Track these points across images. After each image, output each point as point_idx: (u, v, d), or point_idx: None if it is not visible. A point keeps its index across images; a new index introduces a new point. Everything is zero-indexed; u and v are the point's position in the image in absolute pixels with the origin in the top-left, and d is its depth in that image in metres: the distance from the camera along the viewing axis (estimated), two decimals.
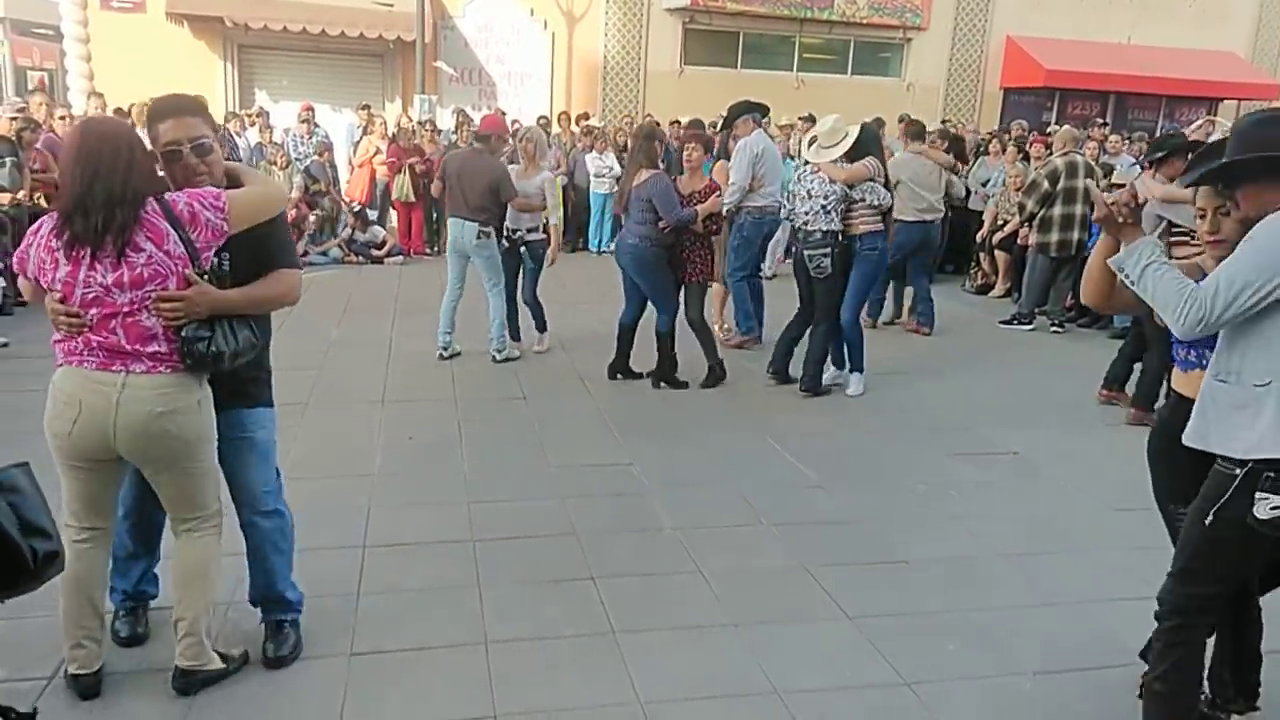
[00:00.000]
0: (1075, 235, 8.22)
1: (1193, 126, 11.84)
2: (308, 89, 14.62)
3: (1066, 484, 4.93)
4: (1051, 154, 8.64)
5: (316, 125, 12.32)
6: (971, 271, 10.48)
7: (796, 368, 6.38)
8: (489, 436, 5.29)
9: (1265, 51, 19.10)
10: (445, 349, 6.87)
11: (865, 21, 16.70)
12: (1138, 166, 10.11)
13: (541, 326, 7.27)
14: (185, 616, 2.80)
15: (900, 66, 17.73)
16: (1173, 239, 5.64)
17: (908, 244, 8.02)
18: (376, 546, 3.86)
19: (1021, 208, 8.51)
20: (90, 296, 2.50)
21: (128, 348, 2.53)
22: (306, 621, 3.14)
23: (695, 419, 5.76)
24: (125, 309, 2.51)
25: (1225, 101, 18.86)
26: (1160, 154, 6.37)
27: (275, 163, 10.96)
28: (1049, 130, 11.63)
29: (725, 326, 7.74)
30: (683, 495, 4.56)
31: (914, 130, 8.54)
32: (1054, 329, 8.53)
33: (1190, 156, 4.79)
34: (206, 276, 2.60)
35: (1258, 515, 2.34)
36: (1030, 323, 8.58)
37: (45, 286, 2.56)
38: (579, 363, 6.92)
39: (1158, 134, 13.57)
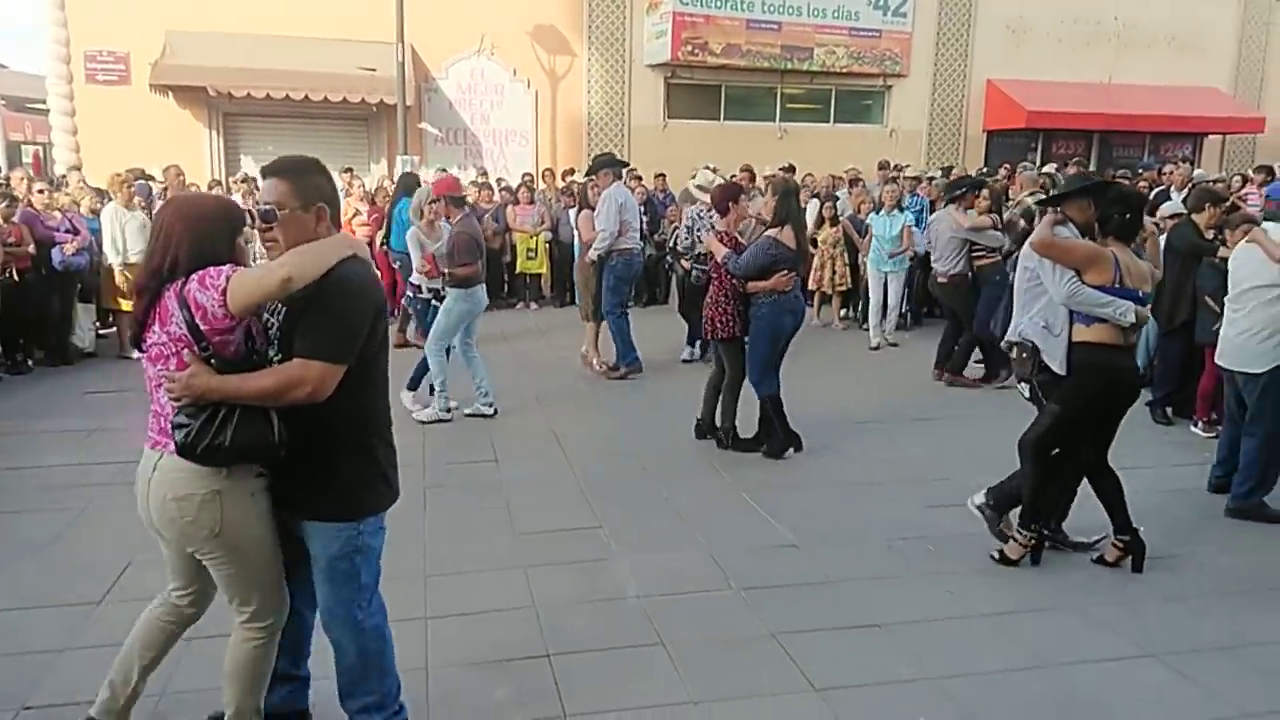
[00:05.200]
0: None
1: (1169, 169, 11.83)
2: (293, 153, 14.65)
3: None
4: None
5: None
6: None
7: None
8: (455, 503, 5.13)
9: (1247, 85, 19.23)
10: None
11: (846, 71, 16.84)
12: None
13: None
14: (225, 707, 2.77)
15: (882, 113, 17.84)
16: (974, 255, 7.91)
17: None
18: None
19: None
20: (145, 366, 2.57)
21: (167, 424, 2.50)
22: None
23: (671, 476, 5.60)
24: (155, 382, 2.53)
25: (1210, 136, 18.95)
26: (960, 192, 8.11)
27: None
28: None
29: (601, 360, 8.33)
30: (651, 559, 4.40)
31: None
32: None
33: (985, 191, 8.27)
34: (213, 360, 2.45)
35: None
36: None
37: None
38: (555, 421, 6.79)
39: (1140, 170, 13.57)
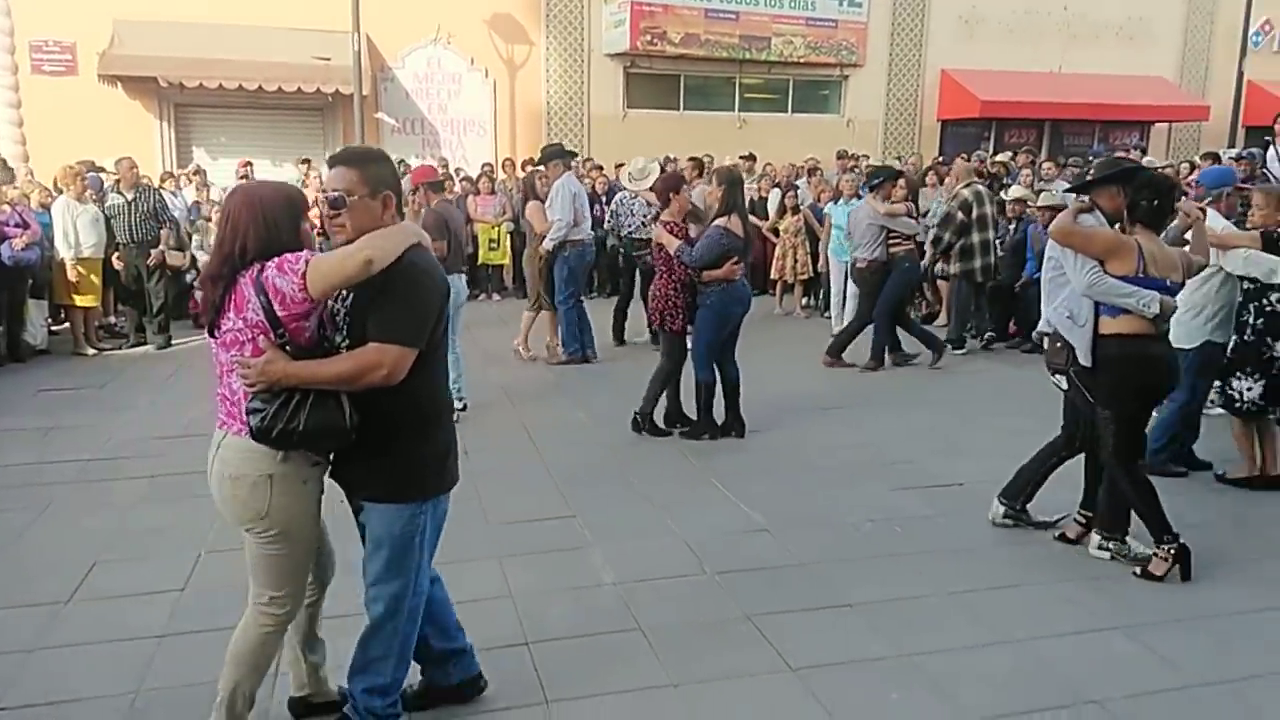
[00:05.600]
0: (993, 259, 8.75)
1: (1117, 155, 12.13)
2: (247, 145, 14.47)
3: None
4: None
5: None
6: (916, 301, 10.55)
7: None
8: None
9: (1192, 74, 19.68)
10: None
11: (803, 61, 16.96)
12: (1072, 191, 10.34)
13: None
14: (219, 689, 2.78)
15: (839, 103, 18.00)
16: (890, 242, 8.05)
17: None
18: None
19: (938, 240, 8.73)
20: (215, 351, 2.62)
21: (234, 407, 2.59)
22: (199, 714, 2.93)
23: (642, 464, 5.65)
24: (226, 368, 2.59)
25: (1157, 124, 19.37)
26: (878, 181, 8.24)
27: (211, 220, 10.79)
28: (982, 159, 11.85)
29: (556, 347, 8.52)
30: (625, 546, 4.43)
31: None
32: (983, 346, 9.08)
33: (901, 181, 8.66)
34: (287, 347, 2.51)
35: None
36: (963, 347, 8.79)
37: None
38: (526, 415, 6.79)
39: (1091, 158, 13.83)
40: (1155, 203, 4.11)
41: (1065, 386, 4.41)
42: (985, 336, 9.19)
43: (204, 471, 2.79)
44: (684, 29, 15.94)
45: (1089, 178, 4.42)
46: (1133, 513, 4.27)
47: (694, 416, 6.24)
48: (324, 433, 2.54)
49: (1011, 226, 9.36)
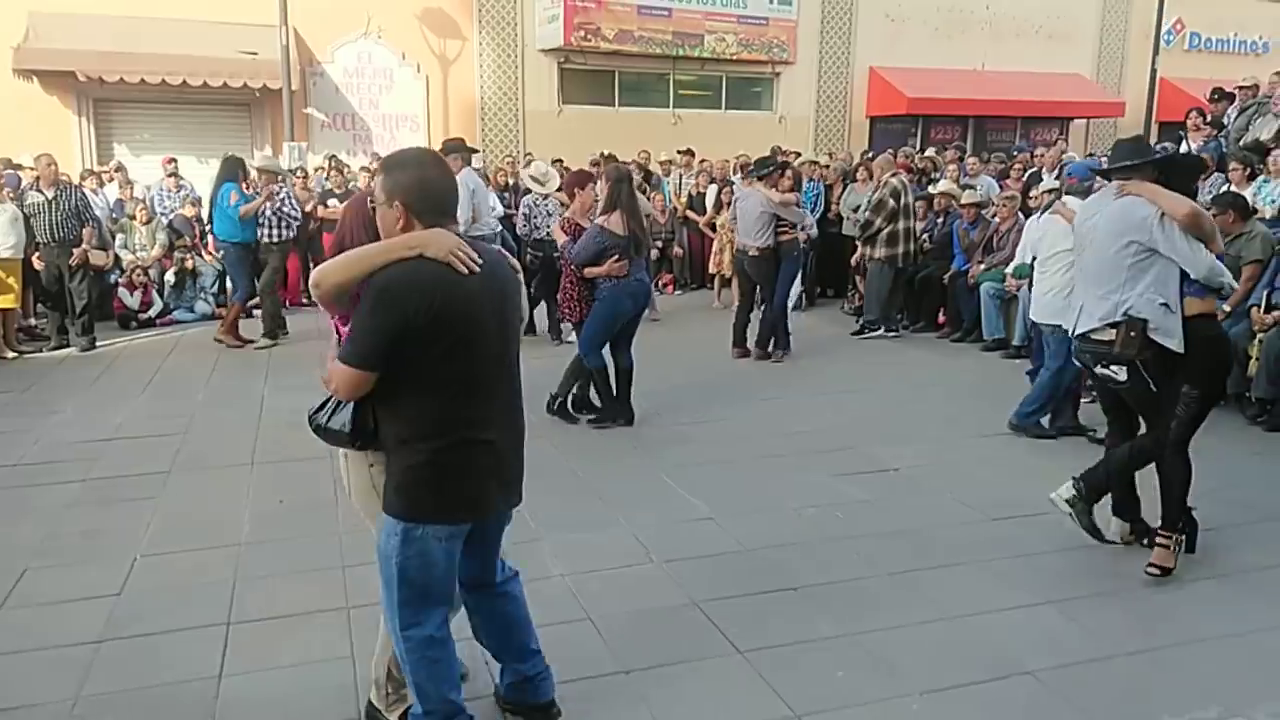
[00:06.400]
0: (913, 247, 9.18)
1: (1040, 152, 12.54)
2: (171, 141, 14.07)
3: (945, 497, 5.04)
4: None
5: (181, 178, 11.85)
6: (849, 294, 10.78)
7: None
8: None
9: (1108, 71, 20.38)
10: None
11: (735, 58, 17.11)
12: (996, 185, 10.67)
13: None
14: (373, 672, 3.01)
15: (772, 100, 18.21)
16: (779, 229, 8.08)
17: None
18: (243, 622, 3.63)
19: (869, 224, 8.98)
20: None
21: None
22: (142, 718, 2.88)
23: (586, 457, 5.68)
24: None
25: (1075, 120, 20.02)
26: (767, 170, 8.23)
27: (136, 218, 10.50)
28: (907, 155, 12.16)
29: None
30: (572, 538, 4.46)
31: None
32: (890, 334, 9.35)
33: (789, 172, 8.62)
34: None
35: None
36: (878, 328, 9.22)
37: None
38: None
39: (1015, 153, 14.24)
40: (1195, 187, 4.37)
41: (1123, 379, 4.11)
42: (890, 328, 9.41)
43: (137, 474, 2.73)
44: (617, 25, 15.96)
45: (1126, 161, 4.17)
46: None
47: (558, 393, 6.43)
48: (336, 435, 2.61)
49: (939, 220, 9.63)
